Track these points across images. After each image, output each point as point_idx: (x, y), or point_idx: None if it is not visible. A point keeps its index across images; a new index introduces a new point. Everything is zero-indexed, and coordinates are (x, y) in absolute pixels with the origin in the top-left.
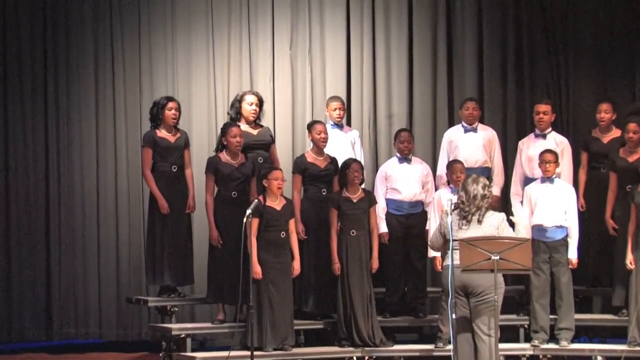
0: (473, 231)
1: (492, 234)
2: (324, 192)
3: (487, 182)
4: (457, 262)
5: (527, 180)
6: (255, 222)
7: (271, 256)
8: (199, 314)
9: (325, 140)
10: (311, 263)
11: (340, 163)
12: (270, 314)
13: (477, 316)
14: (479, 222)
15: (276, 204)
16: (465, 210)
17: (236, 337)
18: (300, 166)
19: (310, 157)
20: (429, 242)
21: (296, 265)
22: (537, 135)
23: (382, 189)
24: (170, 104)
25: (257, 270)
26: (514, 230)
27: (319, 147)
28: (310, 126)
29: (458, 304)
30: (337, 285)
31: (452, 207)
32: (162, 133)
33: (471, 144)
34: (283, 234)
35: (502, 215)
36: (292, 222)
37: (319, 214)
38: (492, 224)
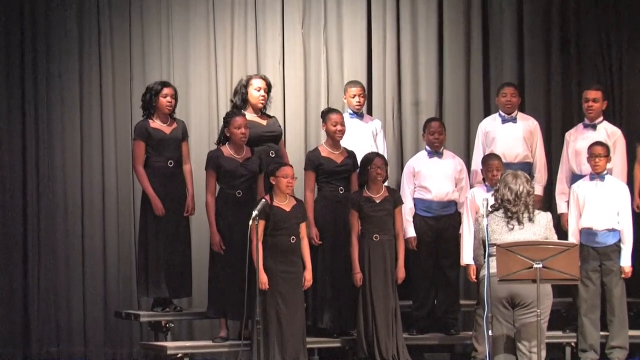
0: (527, 231)
1: (544, 236)
2: (341, 190)
3: (528, 176)
4: (493, 270)
5: (575, 177)
6: (261, 225)
7: (279, 264)
8: (198, 330)
9: (342, 132)
10: (327, 272)
11: (359, 157)
12: (278, 331)
13: (522, 330)
14: (531, 220)
15: (285, 204)
16: (513, 211)
17: (240, 356)
18: (314, 161)
19: (325, 151)
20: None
21: (307, 275)
22: (586, 126)
23: (409, 188)
24: (165, 90)
25: (262, 279)
26: None
27: (334, 140)
28: (324, 115)
29: (500, 318)
30: (357, 297)
31: (490, 208)
32: (155, 124)
33: (510, 135)
34: (293, 239)
35: (549, 214)
36: (303, 226)
37: (336, 216)
38: (542, 223)
